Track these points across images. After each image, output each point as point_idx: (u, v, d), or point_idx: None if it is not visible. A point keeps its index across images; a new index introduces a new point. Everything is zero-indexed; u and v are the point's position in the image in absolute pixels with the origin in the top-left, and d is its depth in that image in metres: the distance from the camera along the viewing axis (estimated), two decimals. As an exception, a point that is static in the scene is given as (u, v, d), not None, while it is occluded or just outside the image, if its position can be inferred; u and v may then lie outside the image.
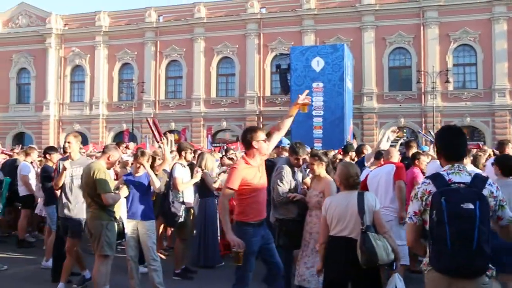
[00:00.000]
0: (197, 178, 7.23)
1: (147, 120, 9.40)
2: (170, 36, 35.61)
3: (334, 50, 23.87)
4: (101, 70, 37.02)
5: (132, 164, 7.18)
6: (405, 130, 29.81)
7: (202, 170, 7.47)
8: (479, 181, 3.10)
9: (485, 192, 3.04)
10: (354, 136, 26.61)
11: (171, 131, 32.33)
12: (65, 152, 6.75)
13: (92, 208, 5.59)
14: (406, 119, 30.33)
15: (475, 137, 28.99)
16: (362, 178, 6.05)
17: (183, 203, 6.92)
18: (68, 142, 6.48)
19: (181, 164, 7.18)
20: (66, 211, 6.34)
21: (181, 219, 6.77)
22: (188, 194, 7.33)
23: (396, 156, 6.77)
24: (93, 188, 5.49)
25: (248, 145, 4.62)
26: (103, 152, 6.02)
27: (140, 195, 6.02)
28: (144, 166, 6.08)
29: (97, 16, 37.29)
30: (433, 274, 3.07)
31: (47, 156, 7.86)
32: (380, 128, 30.36)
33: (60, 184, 6.35)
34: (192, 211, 7.60)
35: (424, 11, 30.52)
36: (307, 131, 22.01)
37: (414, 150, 8.37)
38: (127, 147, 12.31)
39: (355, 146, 9.90)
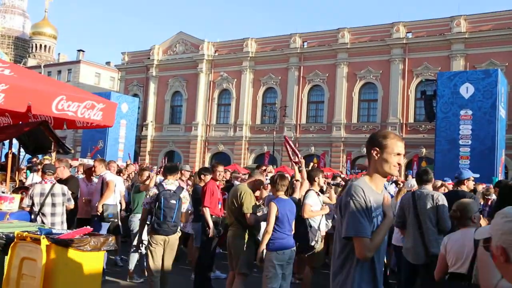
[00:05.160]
0: (325, 211, 6.90)
1: (285, 138, 9.14)
2: (313, 62, 36.20)
3: (486, 76, 22.38)
4: (246, 93, 38.80)
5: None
6: None
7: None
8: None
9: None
10: (506, 169, 24.50)
11: (310, 156, 32.67)
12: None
13: (234, 227, 5.89)
14: None
15: None
16: None
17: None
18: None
19: (314, 191, 6.90)
20: None
21: (317, 245, 6.61)
22: (323, 223, 7.13)
23: None
24: (238, 208, 5.78)
25: None
26: (250, 175, 6.43)
27: None
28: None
29: (245, 42, 39.32)
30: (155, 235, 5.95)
31: (202, 176, 7.80)
32: (538, 161, 27.57)
33: None
34: (322, 240, 7.52)
35: None
36: (452, 161, 20.86)
37: None
38: (265, 170, 12.36)
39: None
